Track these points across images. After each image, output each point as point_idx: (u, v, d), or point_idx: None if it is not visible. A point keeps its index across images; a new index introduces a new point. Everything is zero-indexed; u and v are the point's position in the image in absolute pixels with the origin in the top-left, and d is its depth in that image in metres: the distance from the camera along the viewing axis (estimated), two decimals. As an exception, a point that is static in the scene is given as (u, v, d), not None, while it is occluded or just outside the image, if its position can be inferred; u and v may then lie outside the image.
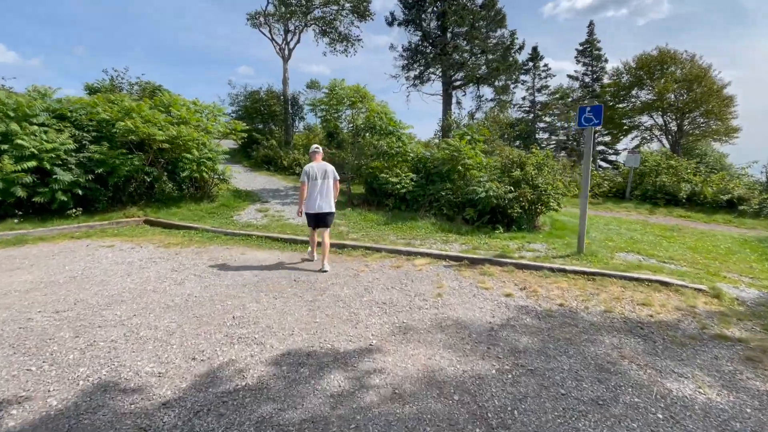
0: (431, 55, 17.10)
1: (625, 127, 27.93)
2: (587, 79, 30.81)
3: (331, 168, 4.98)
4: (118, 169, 7.66)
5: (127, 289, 4.15)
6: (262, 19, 17.84)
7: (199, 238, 6.73)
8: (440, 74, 18.15)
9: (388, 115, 10.33)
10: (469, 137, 9.01)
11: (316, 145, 5.14)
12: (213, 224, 7.57)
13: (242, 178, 13.12)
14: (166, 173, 8.99)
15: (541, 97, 32.87)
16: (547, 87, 31.99)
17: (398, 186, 9.06)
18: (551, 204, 7.74)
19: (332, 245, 5.76)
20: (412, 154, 9.72)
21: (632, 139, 28.83)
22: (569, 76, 31.79)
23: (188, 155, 8.43)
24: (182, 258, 5.46)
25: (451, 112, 17.95)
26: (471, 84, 18.05)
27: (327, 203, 4.88)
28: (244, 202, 9.47)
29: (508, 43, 16.83)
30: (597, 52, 30.62)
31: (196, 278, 4.55)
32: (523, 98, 32.96)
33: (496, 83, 17.71)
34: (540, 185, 8.17)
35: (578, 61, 31.28)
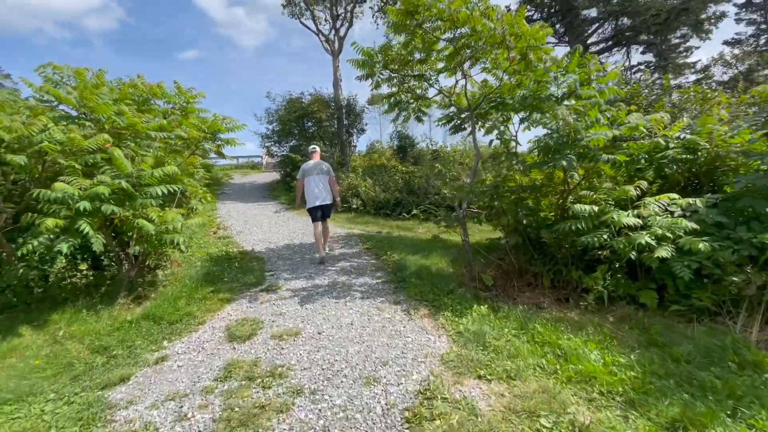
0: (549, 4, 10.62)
1: None
2: (763, 41, 21.37)
3: (327, 165, 5.22)
4: None
5: None
6: (302, 4, 13.29)
7: None
8: (565, 35, 11.55)
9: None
10: None
11: (313, 146, 5.46)
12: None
13: (263, 222, 7.77)
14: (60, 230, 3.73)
15: (673, 81, 23.92)
16: (690, 65, 23.01)
17: (636, 238, 2.73)
18: None
19: None
20: (663, 142, 3.33)
21: None
22: (727, 42, 22.59)
23: (49, 194, 3.09)
24: None
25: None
26: (619, 46, 11.24)
27: (325, 196, 5.07)
28: (212, 300, 3.82)
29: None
30: (772, 0, 21.19)
31: None
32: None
33: (678, 30, 10.42)
34: None
35: (739, 20, 22.09)
